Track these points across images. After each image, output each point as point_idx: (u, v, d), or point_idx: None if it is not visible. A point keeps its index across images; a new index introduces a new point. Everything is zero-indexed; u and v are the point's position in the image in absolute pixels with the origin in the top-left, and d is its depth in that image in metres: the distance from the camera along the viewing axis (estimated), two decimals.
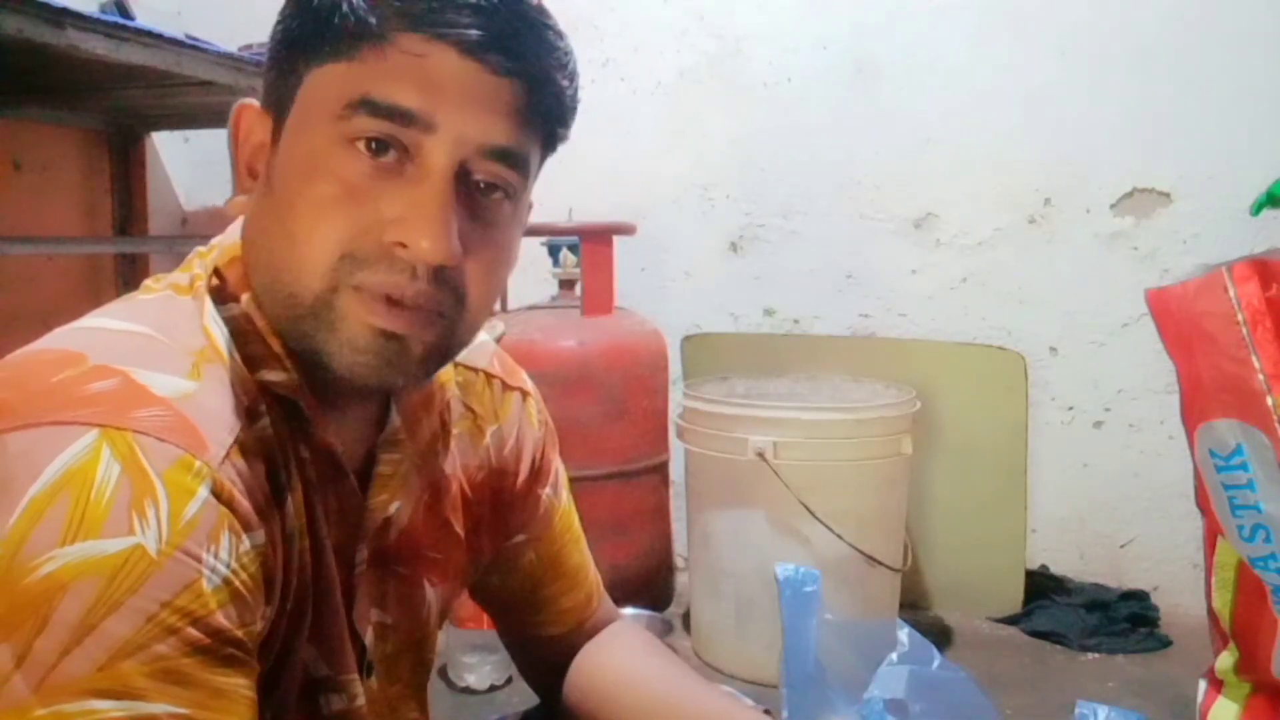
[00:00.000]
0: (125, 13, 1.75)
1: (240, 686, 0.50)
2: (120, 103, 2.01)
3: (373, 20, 0.55)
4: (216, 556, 0.49)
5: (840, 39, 2.33)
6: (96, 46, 1.48)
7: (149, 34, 1.58)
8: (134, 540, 0.47)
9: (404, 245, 0.55)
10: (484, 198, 0.59)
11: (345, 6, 0.55)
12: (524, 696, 0.87)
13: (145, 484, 0.48)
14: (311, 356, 0.58)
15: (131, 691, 0.45)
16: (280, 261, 0.57)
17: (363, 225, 0.56)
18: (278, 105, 0.60)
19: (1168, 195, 2.15)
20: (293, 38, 0.59)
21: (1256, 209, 1.55)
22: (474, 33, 0.55)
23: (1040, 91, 2.20)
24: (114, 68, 1.59)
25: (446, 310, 0.59)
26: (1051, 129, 2.20)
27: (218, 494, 0.51)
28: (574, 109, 0.62)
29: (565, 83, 0.60)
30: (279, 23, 0.60)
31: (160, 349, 0.55)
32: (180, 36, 1.65)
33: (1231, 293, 1.31)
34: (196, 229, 2.48)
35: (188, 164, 2.42)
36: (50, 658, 0.44)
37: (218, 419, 0.54)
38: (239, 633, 0.50)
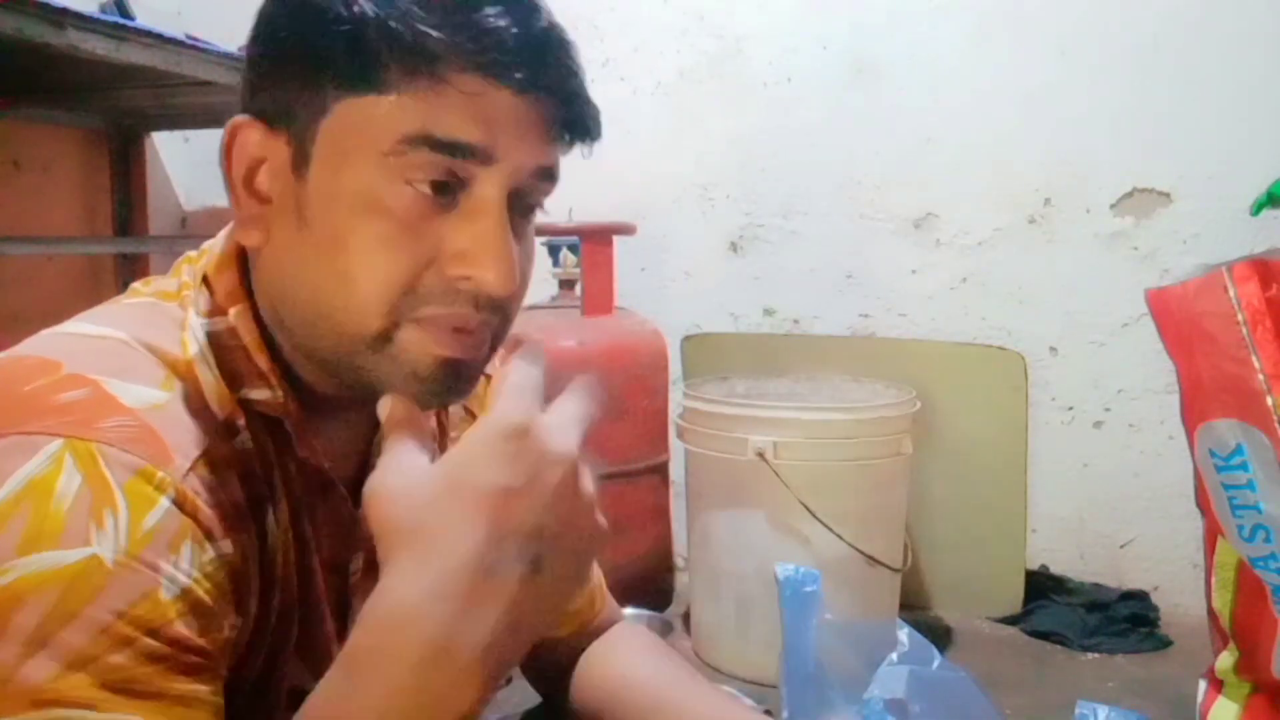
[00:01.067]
0: (125, 13, 1.75)
1: (203, 693, 0.49)
2: (120, 103, 2.01)
3: (426, 57, 0.53)
4: (177, 566, 0.49)
5: (840, 39, 2.33)
6: (96, 46, 1.48)
7: (149, 34, 1.58)
8: (90, 550, 0.47)
9: (469, 279, 0.55)
10: (523, 218, 0.60)
11: (390, 38, 0.53)
12: (524, 696, 0.87)
13: (105, 494, 0.48)
14: (364, 388, 0.58)
15: (84, 702, 0.45)
16: (334, 300, 0.56)
17: (423, 260, 0.55)
18: (293, 128, 0.57)
19: (1168, 195, 2.15)
20: (313, 57, 0.55)
21: (1256, 209, 1.55)
22: (525, 72, 0.55)
23: (1040, 91, 2.20)
24: (114, 68, 1.59)
25: (498, 332, 0.60)
26: (1051, 129, 2.20)
27: (180, 504, 0.51)
28: (599, 120, 0.62)
29: (589, 102, 0.61)
30: (288, 31, 0.57)
31: (136, 358, 0.55)
32: (180, 36, 1.65)
33: (1231, 293, 1.31)
34: (196, 229, 2.47)
35: (188, 164, 2.42)
36: (4, 670, 0.44)
37: (186, 431, 0.53)
38: (201, 641, 0.50)
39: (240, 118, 0.59)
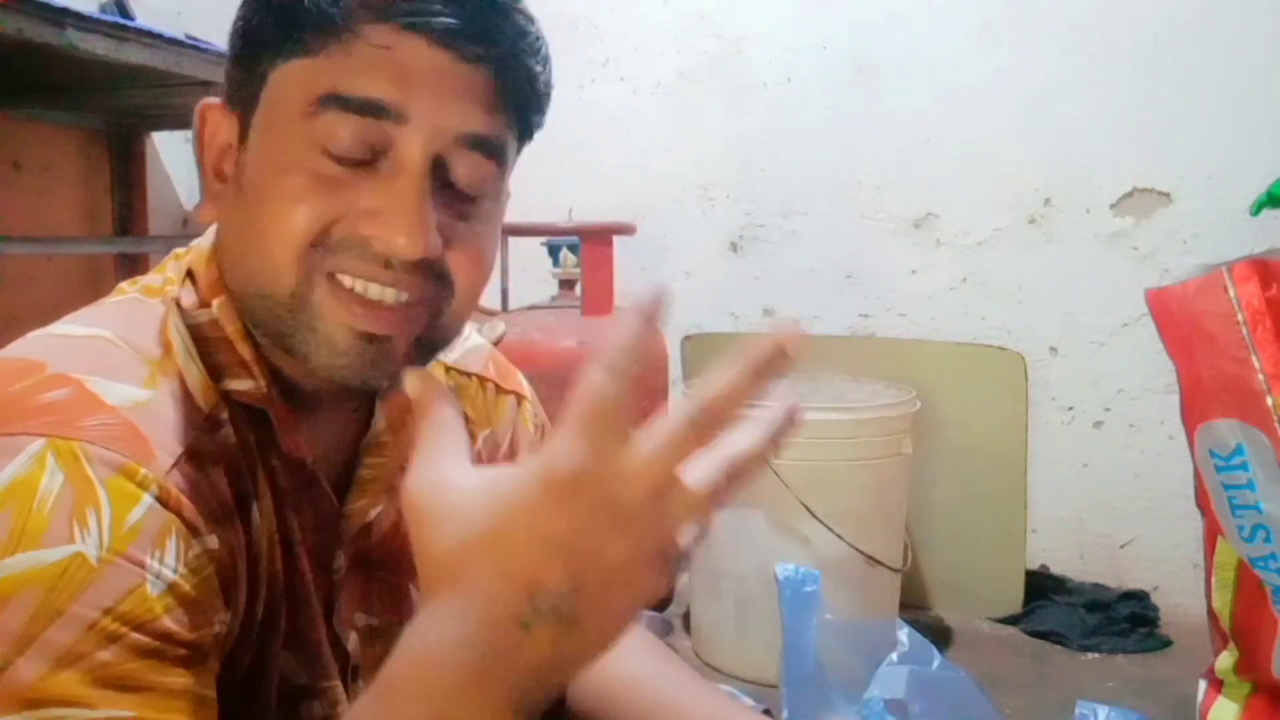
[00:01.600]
0: (125, 13, 1.75)
1: (195, 687, 0.50)
2: (120, 103, 2.01)
3: (335, 12, 0.53)
4: (162, 561, 0.49)
5: (840, 39, 2.33)
6: (96, 46, 1.48)
7: (149, 34, 1.58)
8: (74, 549, 0.47)
9: (379, 238, 0.54)
10: (462, 193, 0.58)
11: (307, 0, 0.54)
12: None
13: (88, 492, 0.48)
14: (289, 357, 0.57)
15: (75, 700, 0.45)
16: (253, 261, 0.56)
17: (334, 214, 0.55)
18: (242, 103, 0.58)
19: (1168, 195, 2.15)
20: (253, 33, 0.57)
21: (1256, 209, 1.55)
22: (443, 20, 0.53)
23: (1040, 91, 2.20)
24: (114, 68, 1.59)
25: (432, 298, 0.58)
26: (1051, 129, 2.20)
27: (164, 500, 0.51)
28: (548, 94, 0.60)
29: (538, 68, 0.59)
30: (239, 18, 0.59)
31: (119, 356, 0.55)
32: (180, 36, 1.65)
33: (1231, 293, 1.30)
34: (196, 229, 2.47)
35: (188, 164, 2.42)
36: None
37: (169, 427, 0.53)
38: (191, 635, 0.50)
39: (206, 100, 0.60)
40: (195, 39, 1.71)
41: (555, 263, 2.27)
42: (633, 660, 0.84)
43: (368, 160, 0.55)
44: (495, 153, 0.58)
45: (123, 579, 0.48)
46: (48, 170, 2.10)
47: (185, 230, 2.43)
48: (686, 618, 2.11)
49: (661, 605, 2.21)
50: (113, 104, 2.04)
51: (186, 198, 2.44)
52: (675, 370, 2.33)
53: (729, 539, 1.90)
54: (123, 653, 0.47)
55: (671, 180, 2.47)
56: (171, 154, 2.38)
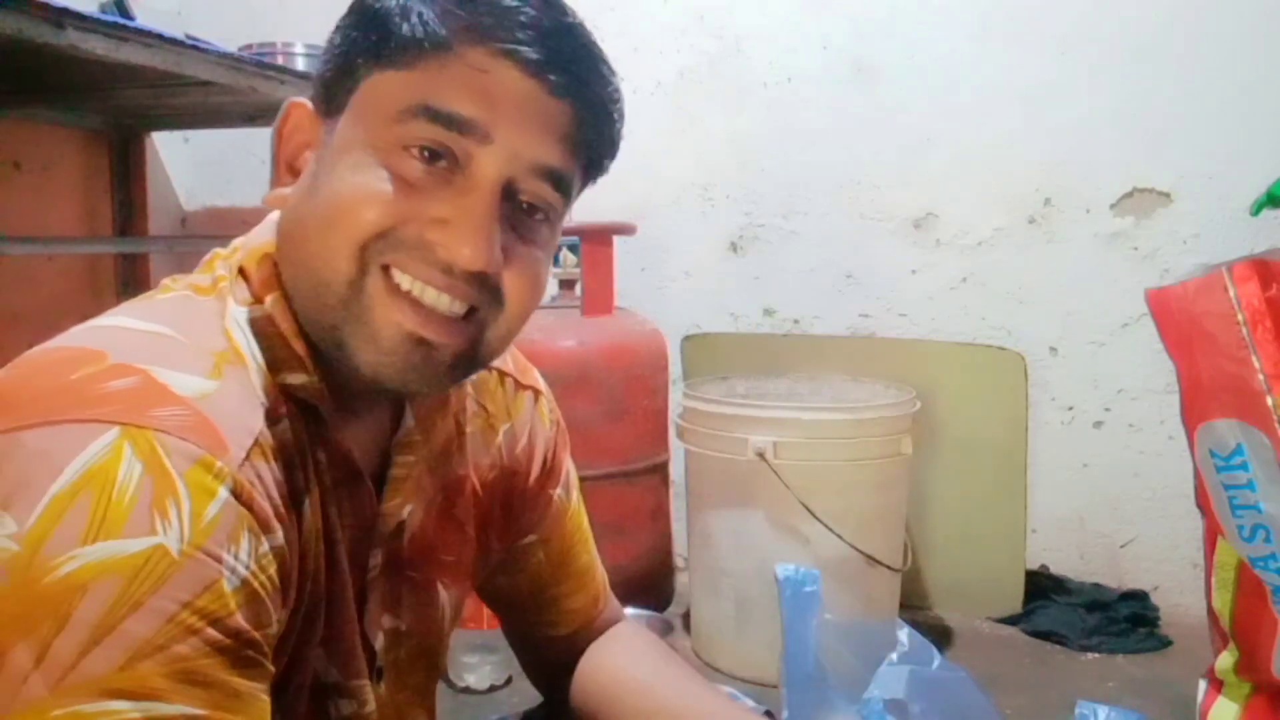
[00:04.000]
0: (125, 13, 1.75)
1: (257, 689, 0.50)
2: (120, 103, 2.01)
3: (441, 32, 0.55)
4: (237, 558, 0.49)
5: (840, 39, 2.33)
6: (96, 46, 1.48)
7: (149, 34, 1.58)
8: (155, 540, 0.46)
9: (444, 245, 0.56)
10: (528, 217, 0.60)
11: (414, 17, 0.56)
12: (524, 696, 0.87)
13: (167, 483, 0.48)
14: (337, 352, 0.58)
15: (150, 692, 0.45)
16: (314, 249, 0.57)
17: (404, 215, 0.56)
18: (331, 106, 0.60)
19: (1168, 195, 2.15)
20: (352, 44, 0.59)
21: (1256, 209, 1.55)
22: (537, 52, 0.56)
23: (1040, 91, 2.20)
24: (114, 68, 1.59)
25: (482, 310, 0.59)
26: (1051, 129, 2.20)
27: (238, 495, 0.50)
28: (619, 143, 0.63)
29: (616, 116, 0.61)
30: (339, 29, 0.60)
31: (180, 349, 0.55)
32: (180, 36, 1.65)
33: (1231, 293, 1.31)
34: (196, 229, 2.47)
35: (188, 164, 2.42)
36: (69, 658, 0.44)
37: (238, 420, 0.53)
38: (256, 634, 0.50)
39: (295, 99, 0.62)
40: (195, 39, 1.71)
41: (555, 263, 2.27)
42: (634, 662, 0.84)
43: (444, 173, 0.56)
44: (562, 186, 0.60)
45: (202, 573, 0.47)
46: (48, 170, 2.11)
47: (185, 230, 2.43)
48: (686, 618, 2.11)
49: (662, 605, 2.22)
50: (113, 104, 2.04)
51: (186, 198, 2.45)
52: (675, 370, 2.34)
53: (729, 539, 1.90)
54: (199, 648, 0.47)
55: (671, 180, 2.47)
56: (171, 154, 2.39)
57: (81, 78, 1.74)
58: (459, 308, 0.58)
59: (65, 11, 1.42)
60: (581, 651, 0.85)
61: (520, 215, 0.59)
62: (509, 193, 0.58)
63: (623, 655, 0.85)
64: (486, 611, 1.28)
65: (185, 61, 1.65)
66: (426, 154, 0.56)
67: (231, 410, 0.53)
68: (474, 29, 0.56)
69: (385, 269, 0.56)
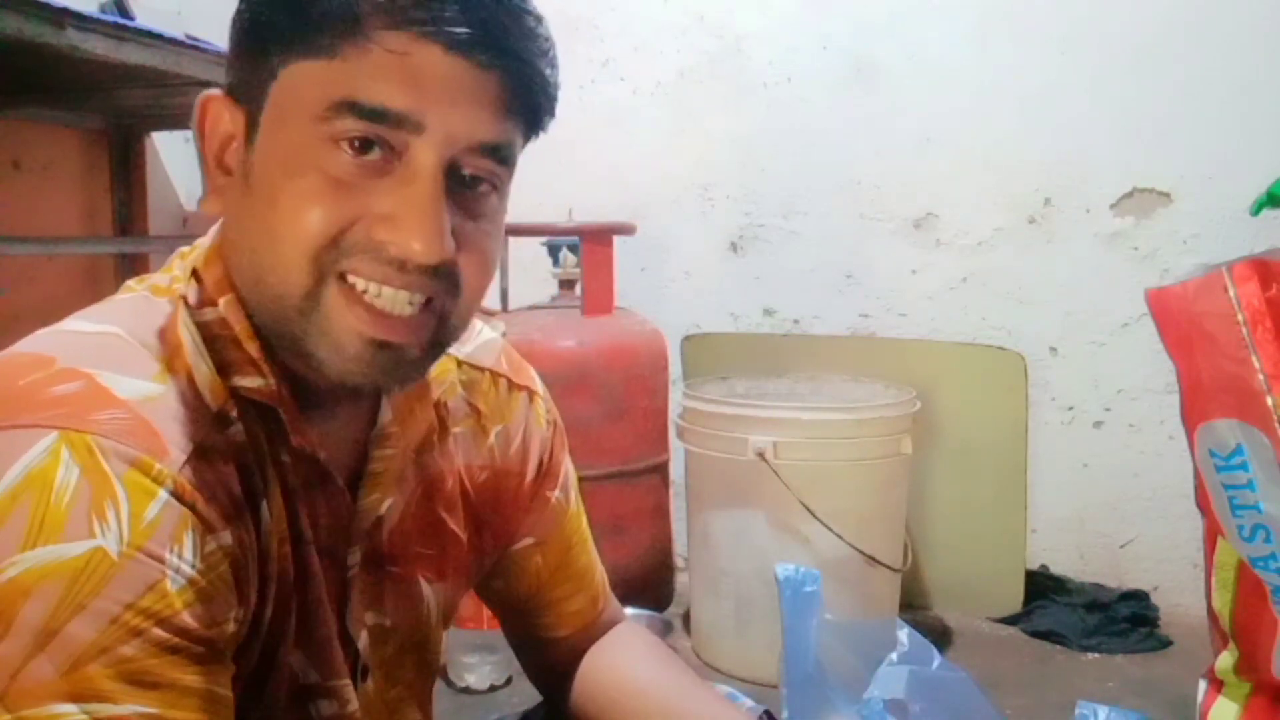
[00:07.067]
0: (125, 13, 1.75)
1: (213, 685, 0.49)
2: (120, 103, 2.01)
3: (355, 16, 0.53)
4: (180, 557, 0.49)
5: (840, 39, 2.33)
6: (96, 46, 1.48)
7: (149, 34, 1.58)
8: (95, 543, 0.47)
9: (394, 242, 0.54)
10: (471, 191, 0.58)
11: (330, 4, 0.53)
12: (524, 696, 0.87)
13: (105, 486, 0.48)
14: (301, 358, 0.58)
15: (98, 694, 0.45)
16: (264, 261, 0.56)
17: (349, 216, 0.55)
18: (248, 97, 0.58)
19: (1168, 195, 2.15)
20: (263, 26, 0.57)
21: (1256, 209, 1.55)
22: (459, 29, 0.53)
23: (1040, 91, 2.20)
24: (114, 68, 1.59)
25: (440, 300, 0.58)
26: (1051, 129, 2.20)
27: (179, 496, 0.50)
28: (557, 95, 0.61)
29: (548, 70, 0.59)
30: (245, 8, 0.58)
31: (129, 351, 0.55)
32: (180, 36, 1.65)
33: (1231, 293, 1.30)
34: (197, 229, 2.46)
35: (188, 164, 2.42)
36: (14, 663, 0.44)
37: (180, 422, 0.53)
38: (208, 632, 0.50)
39: (208, 92, 0.60)
40: (195, 39, 1.70)
41: (555, 263, 2.27)
42: (634, 664, 0.84)
43: (380, 163, 0.55)
44: (505, 158, 0.58)
45: (144, 574, 0.48)
46: (48, 170, 2.10)
47: (185, 230, 2.42)
48: (686, 618, 2.11)
49: (662, 605, 2.21)
50: (113, 104, 2.04)
51: (186, 198, 2.44)
52: (675, 370, 2.33)
53: (729, 539, 1.90)
54: (145, 648, 0.47)
55: (671, 180, 2.47)
56: (171, 154, 2.38)
57: (81, 78, 1.74)
58: (419, 299, 0.57)
59: (65, 11, 1.42)
60: (582, 653, 0.85)
61: (465, 191, 0.57)
62: (451, 172, 0.56)
63: (623, 657, 0.85)
64: (486, 612, 1.28)
65: (185, 61, 1.65)
66: (358, 144, 0.54)
67: (175, 413, 0.53)
68: (390, 10, 0.53)
69: (341, 276, 0.55)
